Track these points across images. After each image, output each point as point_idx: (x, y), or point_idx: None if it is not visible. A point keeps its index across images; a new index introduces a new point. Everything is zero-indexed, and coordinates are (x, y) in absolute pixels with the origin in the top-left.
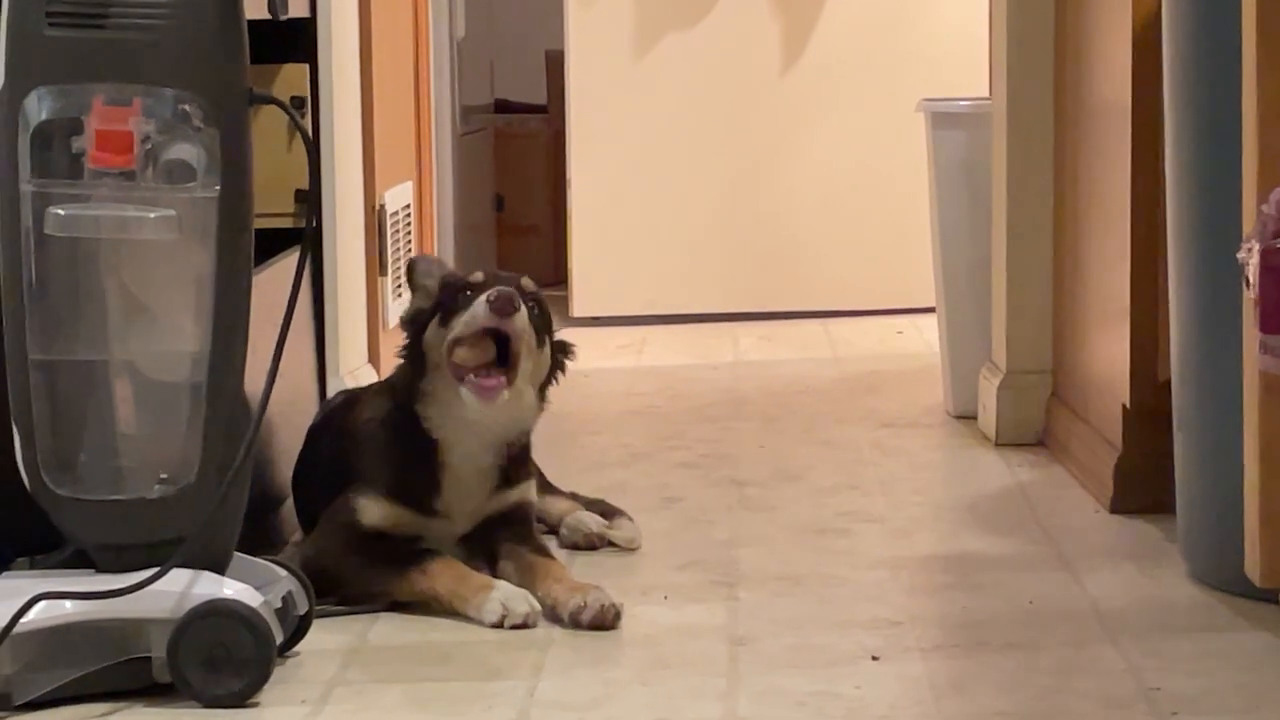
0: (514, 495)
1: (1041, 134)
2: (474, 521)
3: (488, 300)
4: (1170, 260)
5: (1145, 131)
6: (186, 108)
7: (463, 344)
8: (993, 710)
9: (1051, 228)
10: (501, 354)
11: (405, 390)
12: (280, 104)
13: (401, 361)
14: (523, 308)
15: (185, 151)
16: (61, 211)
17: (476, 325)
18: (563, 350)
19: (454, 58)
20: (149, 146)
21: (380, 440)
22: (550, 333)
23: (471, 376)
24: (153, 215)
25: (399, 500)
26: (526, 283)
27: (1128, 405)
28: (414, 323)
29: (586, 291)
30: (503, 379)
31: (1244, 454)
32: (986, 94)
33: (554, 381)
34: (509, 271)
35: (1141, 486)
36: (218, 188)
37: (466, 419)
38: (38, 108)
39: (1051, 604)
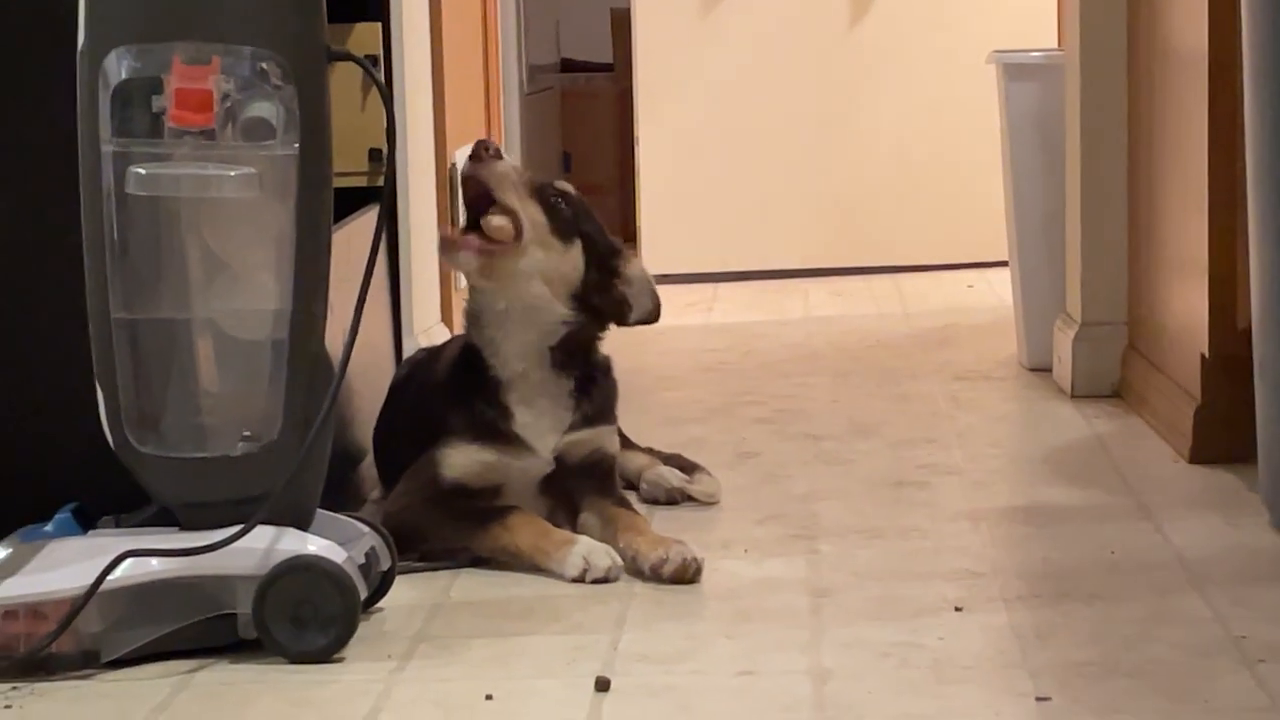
0: (594, 439)
1: (1115, 84)
2: (554, 453)
3: (470, 153)
4: (1250, 206)
5: (1223, 78)
6: (265, 66)
7: (491, 220)
8: (1079, 660)
9: (1126, 178)
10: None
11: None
12: (358, 60)
13: None
14: (502, 157)
15: (264, 109)
16: (142, 171)
17: (462, 176)
18: (611, 266)
19: (520, 17)
20: (228, 105)
21: (450, 378)
22: (584, 232)
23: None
24: (233, 173)
25: (476, 437)
26: (561, 184)
27: (1206, 354)
28: None
29: (655, 249)
30: (471, 240)
31: None
32: (1057, 45)
33: (607, 302)
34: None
35: (1221, 436)
36: (297, 145)
37: (487, 311)
38: (118, 67)
39: (1134, 554)
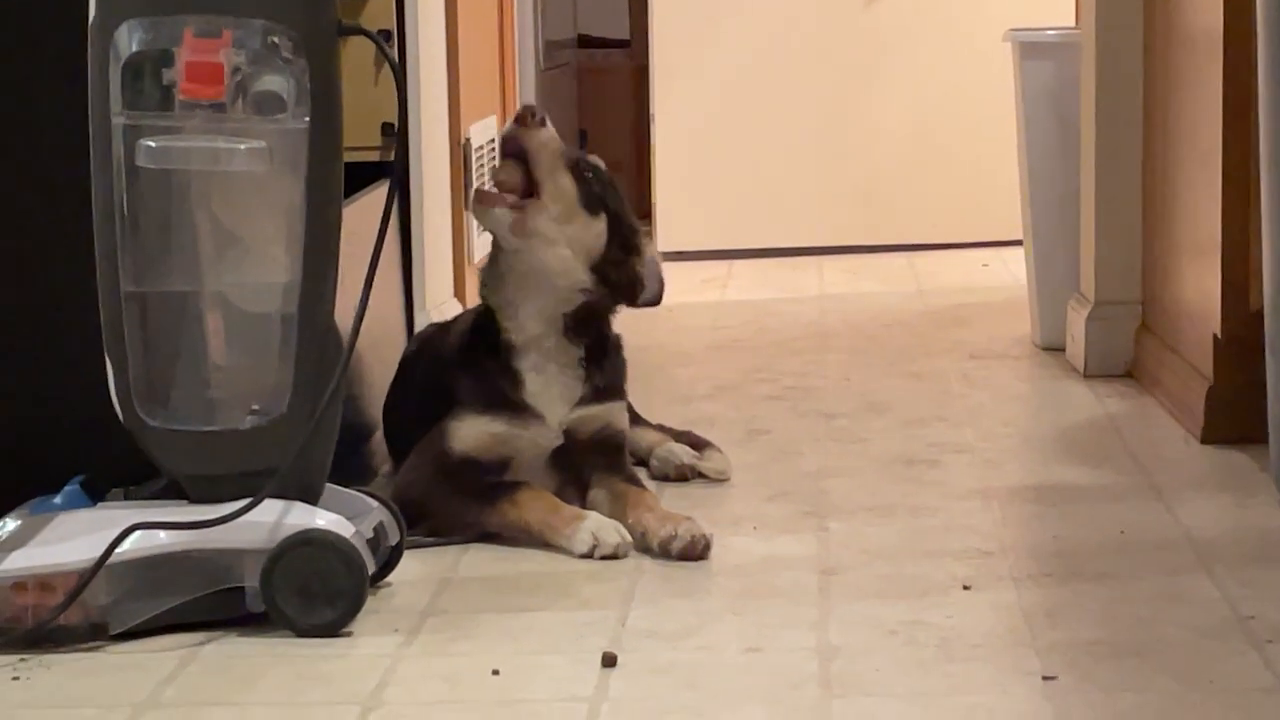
0: (604, 415)
1: (1131, 62)
2: (563, 426)
3: (515, 116)
4: (1264, 187)
5: (1237, 57)
6: (276, 39)
7: (500, 170)
8: (1087, 639)
9: (1141, 158)
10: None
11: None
12: (369, 34)
13: None
14: (548, 125)
15: (275, 83)
16: (153, 143)
17: (502, 136)
18: (631, 244)
19: None
20: (239, 78)
21: (462, 345)
22: (610, 208)
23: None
24: (243, 147)
25: (485, 408)
26: (593, 158)
27: (1219, 335)
28: None
29: (670, 226)
30: (506, 196)
31: None
32: (1074, 23)
33: (623, 278)
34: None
35: (1233, 416)
36: (307, 119)
37: (509, 272)
38: (128, 40)
39: (1144, 533)
